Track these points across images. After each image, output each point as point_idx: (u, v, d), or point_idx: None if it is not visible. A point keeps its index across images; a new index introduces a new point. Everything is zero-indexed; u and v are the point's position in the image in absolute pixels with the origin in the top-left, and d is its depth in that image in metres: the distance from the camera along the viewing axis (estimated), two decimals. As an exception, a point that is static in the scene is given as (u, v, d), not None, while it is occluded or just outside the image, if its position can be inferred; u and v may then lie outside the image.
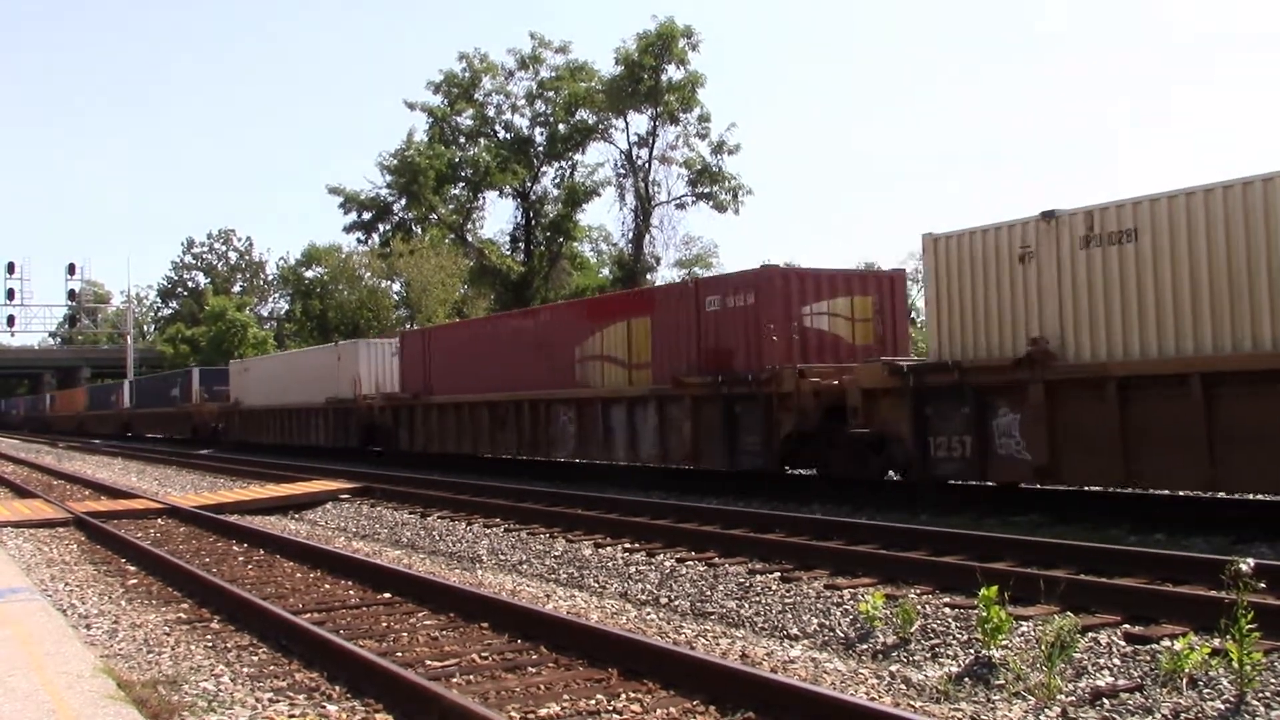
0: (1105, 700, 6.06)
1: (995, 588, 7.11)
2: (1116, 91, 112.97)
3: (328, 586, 10.63)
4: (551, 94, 57.74)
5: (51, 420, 79.47)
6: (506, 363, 23.63)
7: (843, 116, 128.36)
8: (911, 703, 6.38)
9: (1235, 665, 6.02)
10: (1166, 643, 6.81)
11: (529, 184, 59.97)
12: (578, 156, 58.51)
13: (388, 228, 61.15)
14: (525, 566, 11.84)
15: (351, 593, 10.21)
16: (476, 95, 59.51)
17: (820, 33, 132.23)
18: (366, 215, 61.46)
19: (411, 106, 59.63)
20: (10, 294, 74.01)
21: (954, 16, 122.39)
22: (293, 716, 6.16)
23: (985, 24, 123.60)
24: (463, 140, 60.59)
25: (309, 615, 8.93)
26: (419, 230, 59.84)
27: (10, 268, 74.15)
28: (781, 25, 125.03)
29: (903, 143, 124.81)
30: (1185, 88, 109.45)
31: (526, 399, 22.52)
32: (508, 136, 60.02)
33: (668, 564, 10.88)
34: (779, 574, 9.91)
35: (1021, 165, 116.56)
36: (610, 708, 6.19)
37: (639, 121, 54.42)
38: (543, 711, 6.14)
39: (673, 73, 52.15)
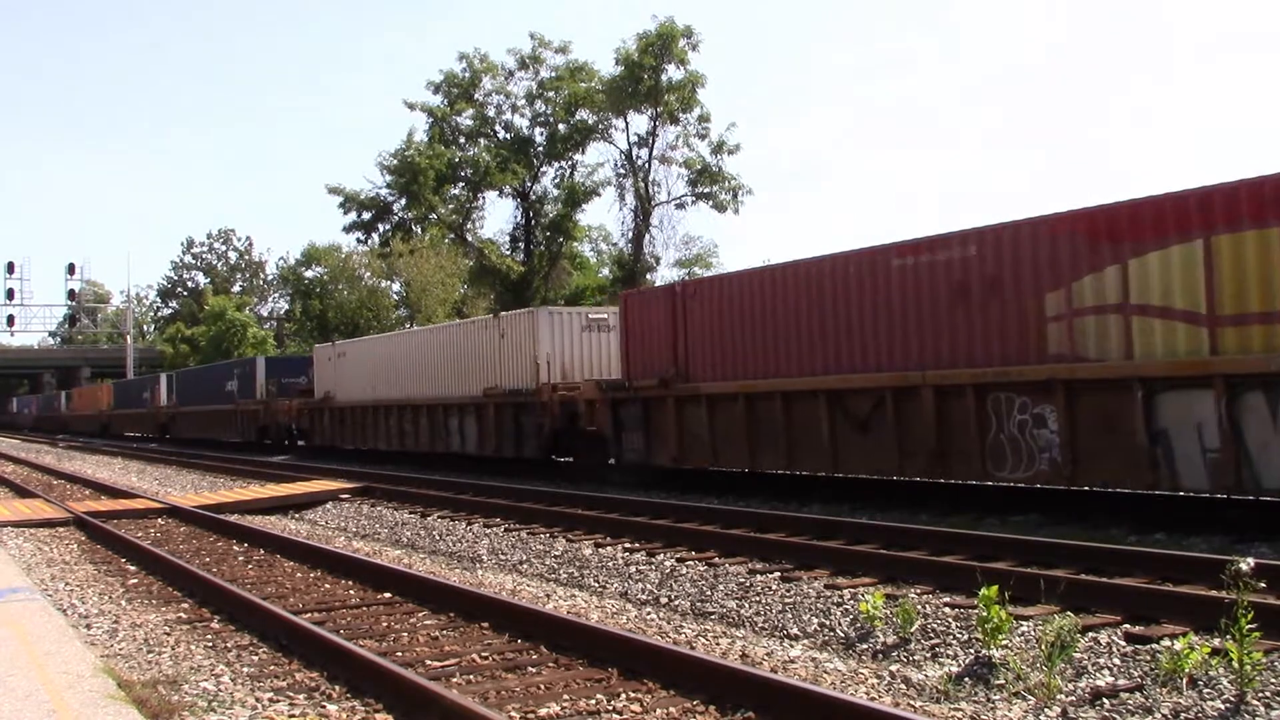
0: (1105, 700, 6.05)
1: (995, 587, 7.11)
2: (1117, 91, 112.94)
3: (328, 586, 10.63)
4: (551, 94, 57.74)
5: (69, 420, 72.24)
6: (858, 328, 15.00)
7: (843, 116, 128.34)
8: (911, 703, 6.38)
9: (1235, 665, 6.02)
10: (1166, 643, 6.80)
11: (529, 184, 59.96)
12: (578, 156, 58.56)
13: (388, 228, 61.12)
14: (525, 566, 11.84)
15: (352, 592, 10.21)
16: (476, 95, 59.52)
17: (820, 32, 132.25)
18: (366, 215, 61.45)
19: (411, 106, 59.70)
20: (10, 294, 74.14)
21: (954, 16, 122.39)
22: (293, 716, 6.16)
23: (986, 23, 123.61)
24: (463, 140, 60.59)
25: (309, 615, 8.93)
26: (419, 230, 59.81)
27: (10, 268, 74.33)
28: (781, 25, 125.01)
29: (903, 142, 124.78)
30: (1186, 88, 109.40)
31: (932, 383, 13.86)
32: (508, 136, 60.04)
33: (668, 564, 10.88)
34: (779, 574, 9.91)
35: (1022, 164, 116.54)
36: (610, 708, 6.19)
37: (639, 121, 54.45)
38: (543, 711, 6.14)
39: (673, 73, 52.18)
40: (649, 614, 9.20)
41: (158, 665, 7.46)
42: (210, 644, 8.07)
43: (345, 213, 61.45)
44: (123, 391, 61.58)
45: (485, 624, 8.39)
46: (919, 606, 8.08)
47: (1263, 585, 6.73)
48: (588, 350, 22.21)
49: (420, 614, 9.02)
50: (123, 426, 59.03)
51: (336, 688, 6.70)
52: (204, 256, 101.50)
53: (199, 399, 45.27)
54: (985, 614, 6.97)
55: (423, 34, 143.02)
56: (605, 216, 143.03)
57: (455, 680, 6.84)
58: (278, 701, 6.46)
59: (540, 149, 59.36)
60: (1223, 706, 5.84)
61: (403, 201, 60.09)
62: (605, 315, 22.29)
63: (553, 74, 57.98)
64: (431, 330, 29.88)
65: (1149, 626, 7.28)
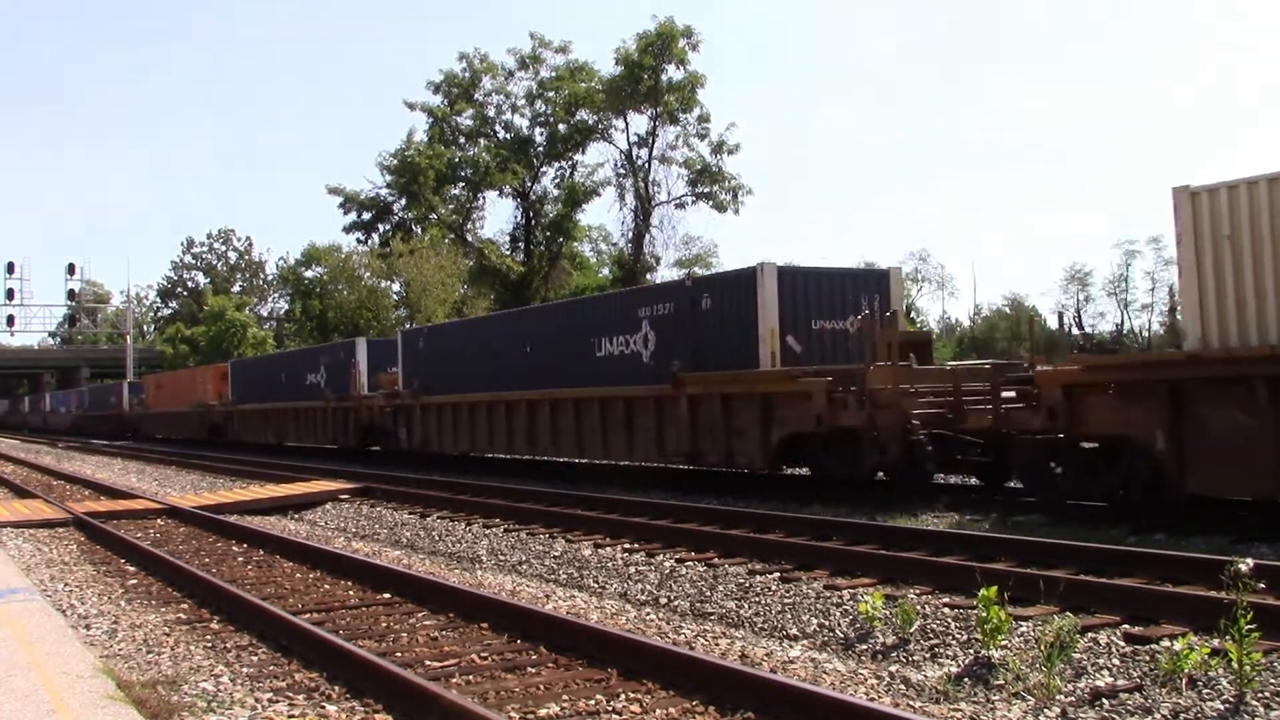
0: (1105, 700, 6.05)
1: (995, 588, 7.11)
2: (1119, 90, 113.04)
3: (327, 586, 10.62)
4: (551, 94, 57.83)
5: (141, 421, 51.04)
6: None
7: (843, 116, 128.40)
8: (911, 703, 6.38)
9: (1235, 665, 6.02)
10: (1166, 643, 6.81)
11: (529, 184, 60.04)
12: (578, 156, 58.67)
13: (388, 228, 61.25)
14: (525, 567, 11.84)
15: (351, 593, 10.20)
16: (476, 95, 59.64)
17: (820, 31, 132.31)
18: (366, 215, 61.58)
19: (411, 106, 59.83)
20: (10, 294, 74.10)
21: (954, 15, 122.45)
22: (292, 717, 6.15)
23: (985, 22, 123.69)
24: (463, 140, 60.69)
25: (309, 615, 8.92)
26: (419, 230, 59.89)
27: (10, 268, 74.32)
28: (782, 25, 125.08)
29: (902, 142, 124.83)
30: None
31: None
32: (508, 136, 60.13)
33: (667, 564, 10.88)
34: (779, 574, 9.91)
35: (1023, 163, 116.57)
36: (610, 708, 6.19)
37: (639, 121, 54.59)
38: (542, 712, 6.14)
39: (672, 73, 52.28)
40: (648, 614, 9.20)
41: (157, 665, 7.46)
42: (210, 644, 8.06)
43: (345, 213, 61.67)
44: (254, 374, 37.11)
45: (484, 624, 8.39)
46: (918, 607, 8.08)
47: (1262, 585, 6.74)
48: None
49: (419, 614, 9.01)
50: (253, 430, 36.33)
51: (336, 688, 6.70)
52: (204, 256, 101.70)
53: (459, 380, 24.18)
54: (985, 614, 6.97)
55: (423, 34, 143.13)
56: (605, 216, 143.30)
57: (454, 680, 6.84)
58: (277, 702, 6.46)
59: (540, 149, 59.45)
60: (1222, 707, 5.84)
61: (403, 201, 60.22)
62: None
63: (553, 74, 58.09)
64: None
65: (1148, 627, 7.28)
